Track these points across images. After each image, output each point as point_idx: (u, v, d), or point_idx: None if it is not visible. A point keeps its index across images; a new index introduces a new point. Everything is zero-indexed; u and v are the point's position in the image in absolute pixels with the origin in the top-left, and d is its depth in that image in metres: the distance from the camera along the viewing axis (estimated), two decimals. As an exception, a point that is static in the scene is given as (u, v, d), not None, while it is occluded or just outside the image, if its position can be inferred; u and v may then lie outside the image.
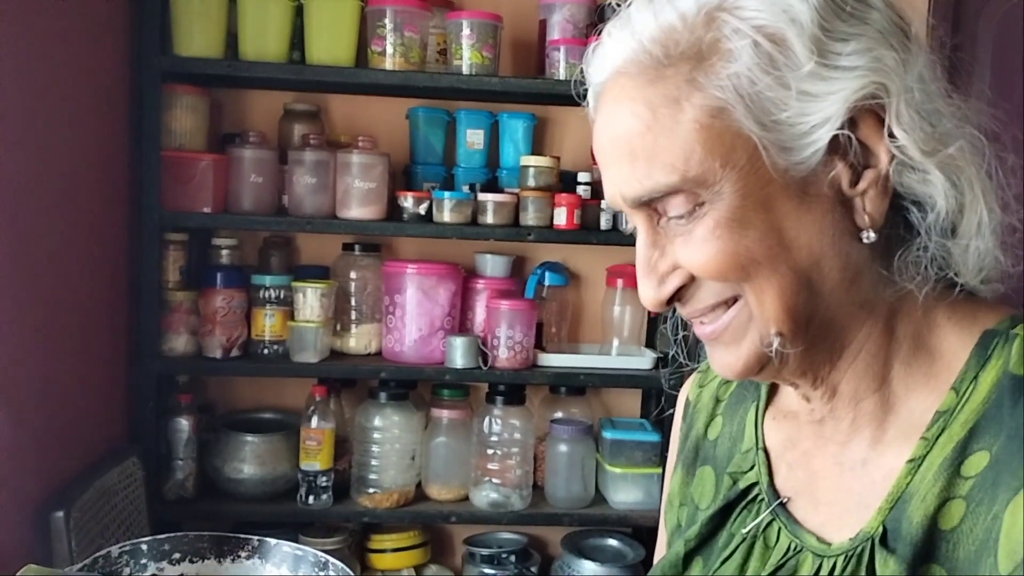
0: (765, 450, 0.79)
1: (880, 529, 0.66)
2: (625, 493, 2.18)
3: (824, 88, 0.63)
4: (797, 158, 0.64)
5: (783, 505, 0.75)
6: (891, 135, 0.64)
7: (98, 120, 1.89)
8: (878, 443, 0.70)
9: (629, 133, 0.66)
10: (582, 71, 0.74)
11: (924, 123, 0.64)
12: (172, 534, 1.05)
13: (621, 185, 0.68)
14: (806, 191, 0.65)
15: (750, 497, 0.78)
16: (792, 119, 0.63)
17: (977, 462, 0.63)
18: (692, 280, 0.68)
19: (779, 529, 0.74)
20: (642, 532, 2.32)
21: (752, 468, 0.79)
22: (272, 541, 1.07)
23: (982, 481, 0.62)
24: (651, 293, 0.69)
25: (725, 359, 0.70)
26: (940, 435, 0.65)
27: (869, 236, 0.66)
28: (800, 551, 0.71)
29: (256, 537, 1.07)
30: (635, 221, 0.70)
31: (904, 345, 0.69)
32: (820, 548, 0.70)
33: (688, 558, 0.79)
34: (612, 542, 2.28)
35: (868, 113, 0.64)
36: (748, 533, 0.75)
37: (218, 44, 2.04)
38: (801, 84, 0.63)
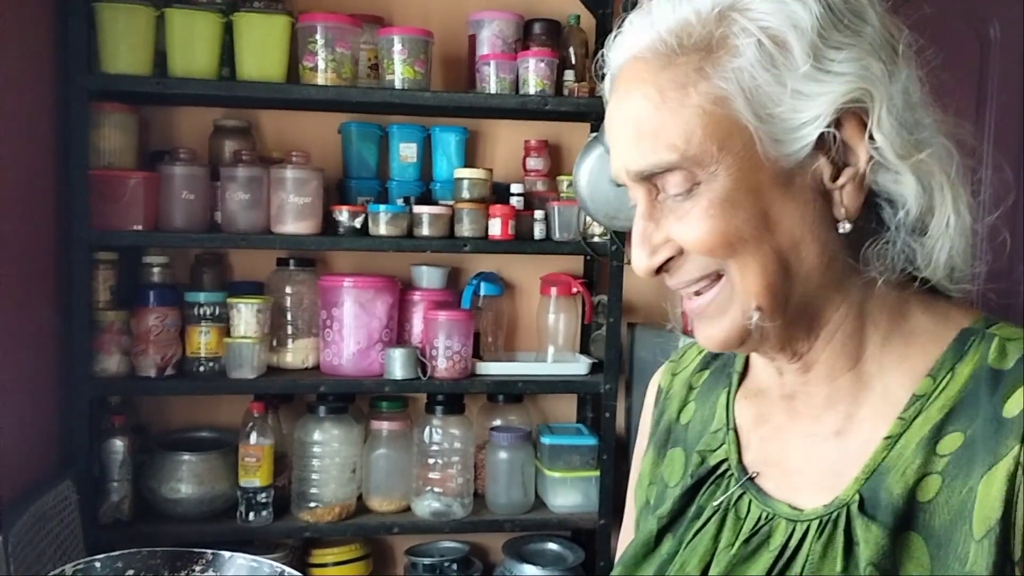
0: (735, 430, 0.85)
1: (857, 497, 0.72)
2: (564, 497, 2.22)
3: (816, 89, 0.70)
4: (787, 150, 0.71)
5: (752, 480, 0.80)
6: (871, 137, 0.71)
7: (23, 139, 1.85)
8: (853, 416, 0.76)
9: (639, 112, 0.72)
10: (600, 57, 0.80)
11: (902, 130, 0.71)
12: (125, 551, 1.05)
13: (627, 160, 0.74)
14: (792, 181, 0.72)
15: (719, 472, 0.83)
16: (785, 114, 0.70)
17: (951, 442, 0.70)
18: (681, 254, 0.74)
19: (749, 501, 0.79)
20: (581, 535, 2.36)
21: (721, 446, 0.85)
22: (226, 554, 1.08)
23: (957, 459, 0.69)
24: (643, 261, 0.75)
25: (709, 331, 0.76)
26: (917, 417, 0.72)
27: (844, 227, 0.73)
28: (772, 519, 0.77)
29: (210, 551, 1.08)
30: (635, 194, 0.76)
31: (879, 328, 0.76)
32: (793, 514, 0.76)
33: (660, 535, 0.84)
34: (552, 546, 2.32)
35: (853, 116, 0.71)
36: (719, 506, 0.80)
37: (146, 61, 2.02)
38: (796, 83, 0.70)
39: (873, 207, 0.74)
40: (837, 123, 0.71)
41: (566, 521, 2.23)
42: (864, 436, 0.75)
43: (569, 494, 2.23)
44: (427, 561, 2.25)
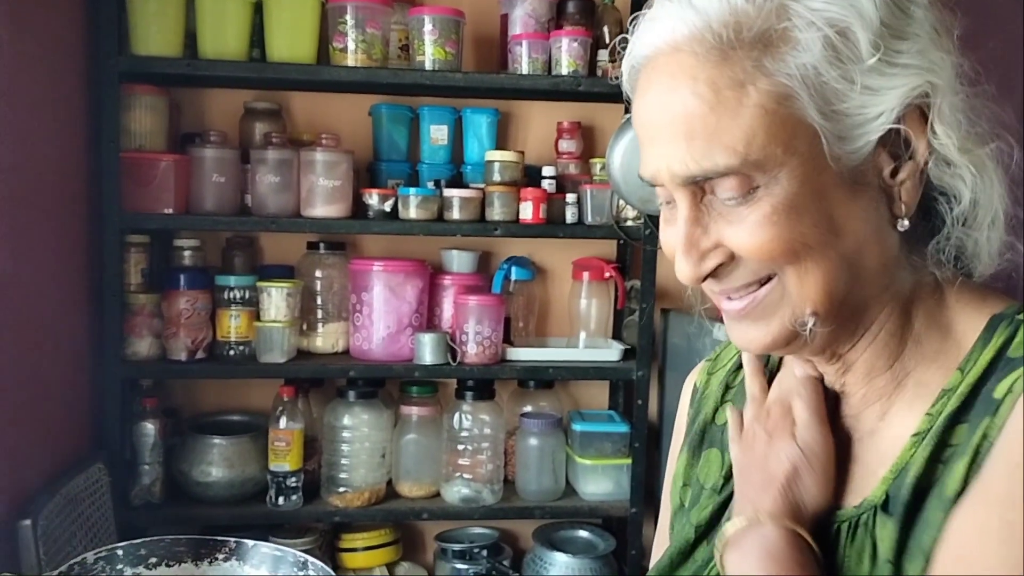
0: None
1: (883, 496, 0.69)
2: (595, 484, 2.20)
3: (883, 83, 0.66)
4: (851, 147, 0.67)
5: None
6: (932, 131, 0.67)
7: (55, 122, 1.85)
8: (885, 415, 0.74)
9: (689, 111, 0.66)
10: (622, 40, 0.75)
11: (964, 122, 0.68)
12: (148, 538, 1.04)
13: (672, 162, 0.68)
14: (856, 180, 0.68)
15: None
16: (851, 110, 0.66)
17: (960, 433, 0.67)
18: (731, 259, 0.70)
19: None
20: (612, 523, 2.34)
21: None
22: (250, 543, 1.07)
23: (961, 449, 0.66)
24: (690, 270, 0.70)
25: (752, 334, 0.72)
26: (944, 411, 0.69)
27: (904, 224, 0.69)
28: None
29: (233, 539, 1.07)
30: (677, 197, 0.70)
31: (918, 325, 0.73)
32: (826, 516, 0.73)
33: (696, 542, 0.81)
34: (583, 533, 2.30)
35: (915, 109, 0.67)
36: None
37: (176, 43, 2.01)
38: (863, 78, 0.65)
39: (925, 201, 0.71)
40: (898, 117, 0.67)
41: (597, 509, 2.20)
42: (895, 432, 0.72)
43: (600, 482, 2.20)
44: (457, 547, 2.24)
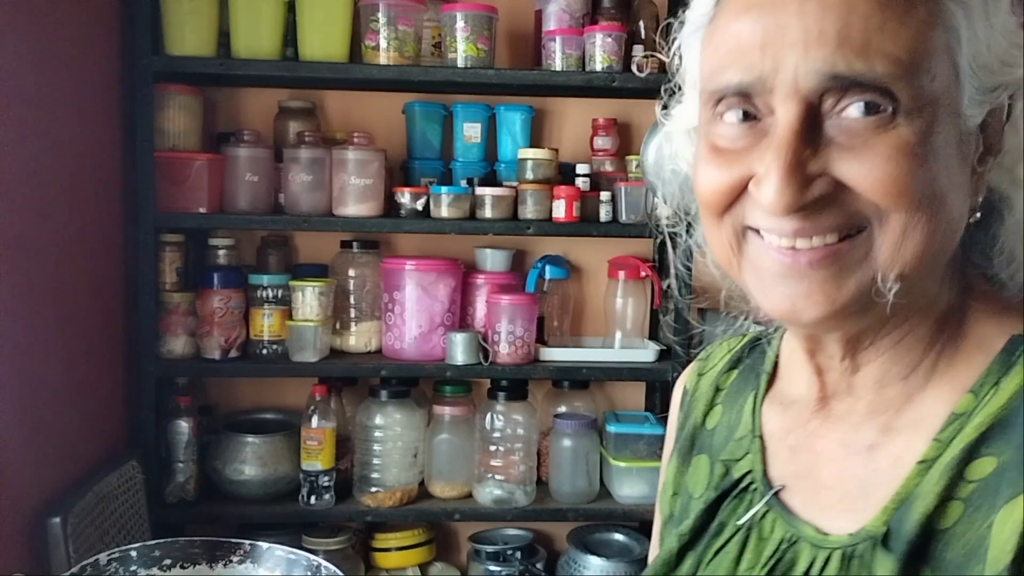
0: (761, 438, 0.77)
1: (884, 529, 0.63)
2: (630, 487, 2.16)
3: (1011, 58, 0.61)
4: (973, 111, 0.61)
5: (777, 495, 0.72)
6: (1010, 128, 0.64)
7: (90, 122, 1.87)
8: (889, 430, 0.67)
9: (851, 3, 0.57)
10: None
11: None
12: (162, 540, 1.04)
13: (805, 63, 0.58)
14: (964, 149, 0.62)
15: (743, 486, 0.75)
16: (986, 71, 0.61)
17: (983, 467, 0.60)
18: (829, 193, 0.59)
19: (774, 519, 0.71)
20: (648, 526, 2.28)
21: (746, 455, 0.76)
22: (264, 545, 1.05)
23: (984, 487, 0.59)
24: (791, 196, 0.58)
25: (820, 293, 0.61)
26: (954, 438, 0.62)
27: (976, 216, 0.64)
28: (796, 542, 0.68)
29: (248, 541, 1.06)
30: (783, 111, 0.59)
31: (944, 337, 0.66)
32: (818, 539, 0.67)
33: (681, 553, 0.76)
34: (618, 537, 2.26)
35: (1004, 101, 0.63)
36: (743, 524, 0.72)
37: (210, 42, 2.02)
38: (1000, 44, 0.61)
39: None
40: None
41: (632, 512, 2.16)
42: (896, 453, 0.65)
43: (636, 484, 2.16)
44: (490, 548, 2.22)
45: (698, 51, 0.68)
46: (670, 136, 0.77)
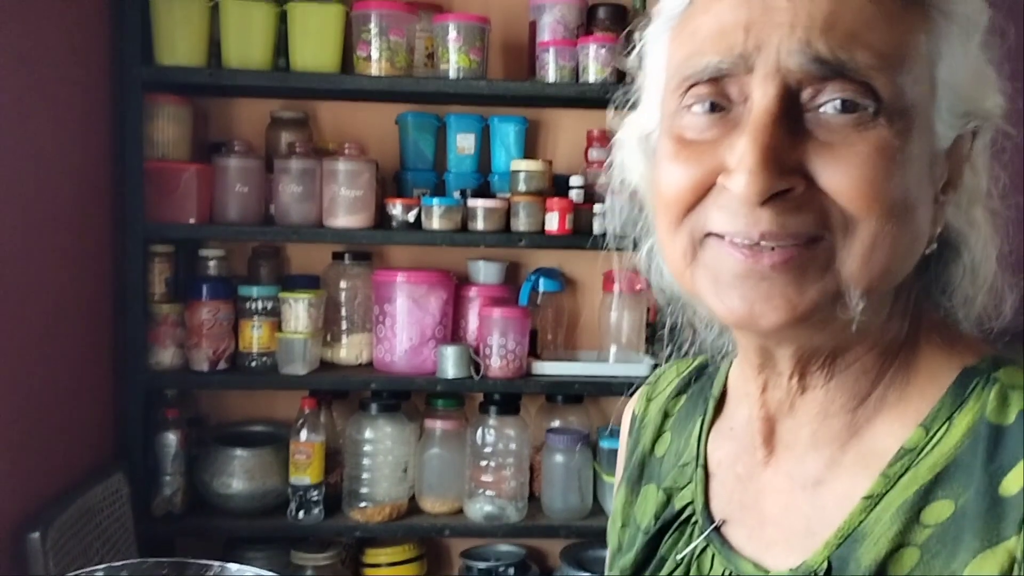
0: (706, 467, 0.73)
1: (825, 565, 0.60)
2: (624, 504, 2.13)
3: (979, 85, 0.62)
4: (944, 131, 0.60)
5: (718, 530, 0.69)
6: (972, 164, 0.63)
7: (79, 132, 1.86)
8: (836, 465, 0.64)
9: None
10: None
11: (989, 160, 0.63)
12: (130, 560, 1.01)
13: (788, 44, 0.56)
14: (930, 171, 0.60)
15: (683, 518, 0.72)
16: (958, 96, 0.60)
17: (939, 511, 0.57)
18: (801, 192, 0.56)
19: (713, 555, 0.68)
20: (643, 543, 2.26)
21: (688, 485, 0.74)
22: (233, 567, 1.03)
23: (942, 532, 0.57)
24: (765, 180, 0.55)
25: (786, 294, 0.57)
26: (903, 475, 0.59)
27: (933, 247, 0.62)
28: None
29: (217, 563, 1.03)
30: (759, 94, 0.57)
31: (893, 370, 0.63)
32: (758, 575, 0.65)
33: None
34: (612, 554, 2.23)
35: (968, 133, 0.62)
36: (682, 560, 0.69)
37: (201, 53, 2.01)
38: (973, 71, 0.61)
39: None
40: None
41: (625, 529, 2.13)
42: (842, 490, 0.62)
43: (629, 501, 2.13)
44: (482, 565, 2.19)
45: (666, 44, 0.66)
46: (620, 144, 0.74)
